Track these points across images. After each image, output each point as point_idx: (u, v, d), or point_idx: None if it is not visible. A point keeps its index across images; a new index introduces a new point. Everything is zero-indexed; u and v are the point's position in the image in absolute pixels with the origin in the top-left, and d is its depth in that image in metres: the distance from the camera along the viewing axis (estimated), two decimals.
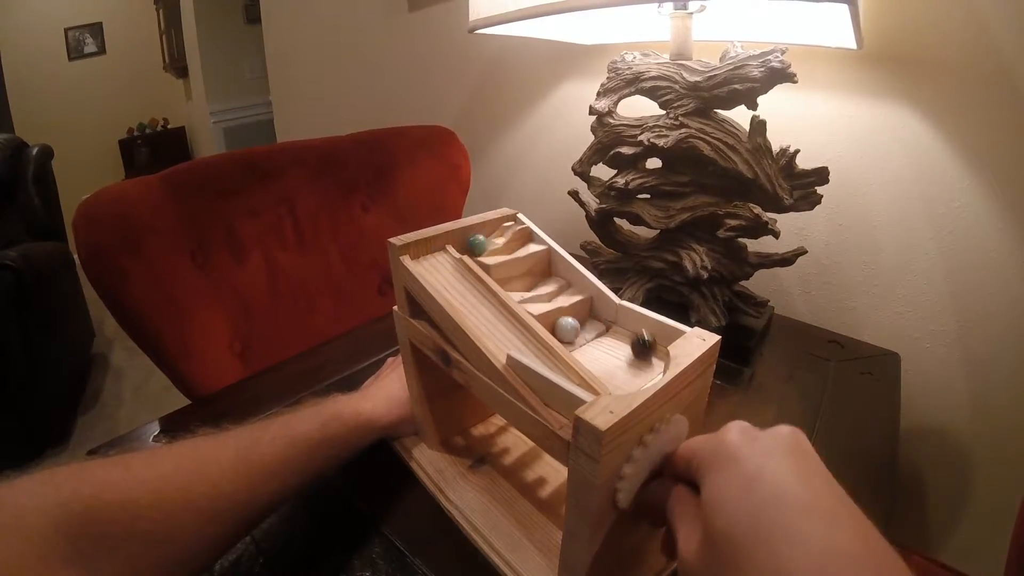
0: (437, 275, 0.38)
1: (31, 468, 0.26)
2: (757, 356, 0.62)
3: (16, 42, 3.10)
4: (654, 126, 0.57)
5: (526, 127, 1.07)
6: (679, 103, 0.57)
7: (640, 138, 0.57)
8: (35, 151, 2.00)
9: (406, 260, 0.38)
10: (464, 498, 0.41)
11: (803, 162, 0.58)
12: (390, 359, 0.53)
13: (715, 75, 0.54)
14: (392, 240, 0.38)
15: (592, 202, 0.67)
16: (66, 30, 3.30)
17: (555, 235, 0.44)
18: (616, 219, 0.67)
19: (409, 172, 0.96)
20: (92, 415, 1.78)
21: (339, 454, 0.39)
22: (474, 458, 0.45)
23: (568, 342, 0.37)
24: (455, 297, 0.36)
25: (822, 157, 0.68)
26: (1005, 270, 0.62)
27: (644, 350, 0.34)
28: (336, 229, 0.89)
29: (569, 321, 0.37)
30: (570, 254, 0.42)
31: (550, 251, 0.43)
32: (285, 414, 0.39)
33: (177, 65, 3.39)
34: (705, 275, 0.57)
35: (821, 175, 0.57)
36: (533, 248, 0.42)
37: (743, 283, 0.65)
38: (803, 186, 0.57)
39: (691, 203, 0.58)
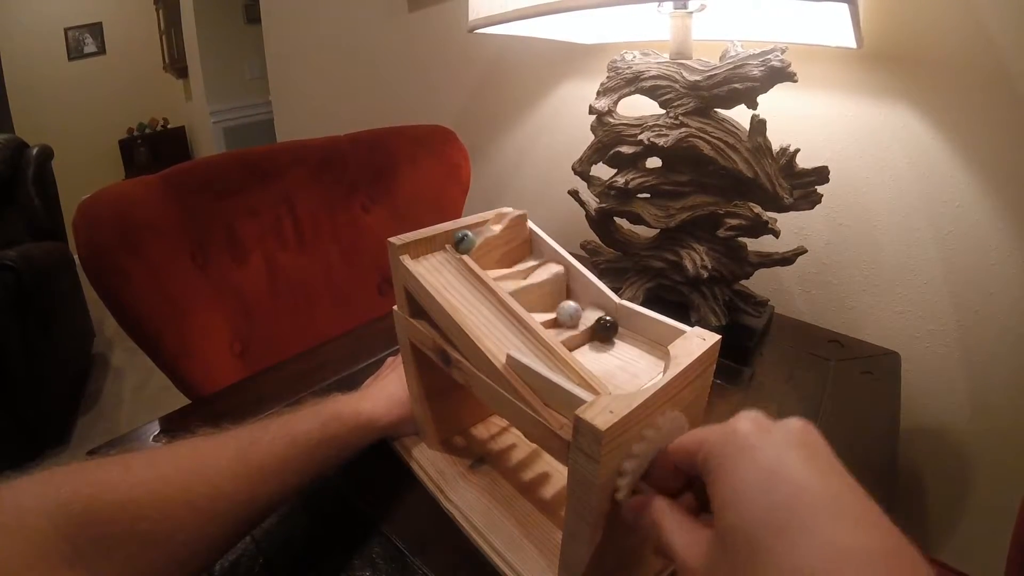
0: (437, 275, 0.38)
1: (31, 468, 0.26)
2: (757, 356, 0.62)
3: (16, 42, 3.10)
4: (654, 125, 0.57)
5: (526, 127, 1.06)
6: (679, 102, 0.56)
7: (640, 137, 0.57)
8: (35, 151, 2.00)
9: (406, 260, 0.38)
10: (464, 498, 0.41)
11: (803, 161, 0.58)
12: (390, 359, 0.52)
13: (715, 74, 0.54)
14: (392, 240, 0.38)
15: (592, 201, 0.66)
16: (66, 30, 3.29)
17: (555, 235, 0.43)
18: (616, 218, 0.67)
19: (409, 172, 0.96)
20: (92, 415, 1.78)
21: (339, 454, 0.39)
22: (474, 458, 0.45)
23: (571, 327, 0.37)
24: (455, 297, 0.36)
25: (822, 156, 0.68)
26: (1005, 270, 0.62)
27: (605, 331, 0.35)
28: (336, 229, 0.89)
29: (570, 304, 0.38)
30: (570, 254, 0.42)
31: (532, 234, 0.43)
32: (285, 414, 0.38)
33: (177, 65, 3.39)
34: (705, 274, 0.57)
35: (821, 174, 0.57)
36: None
37: (743, 283, 0.65)
38: (803, 185, 0.57)
39: (691, 202, 0.58)
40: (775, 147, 0.57)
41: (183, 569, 0.29)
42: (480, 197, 1.13)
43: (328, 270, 0.88)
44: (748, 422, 0.23)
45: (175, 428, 0.53)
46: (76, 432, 1.68)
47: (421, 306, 0.38)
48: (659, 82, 0.58)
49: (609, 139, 0.62)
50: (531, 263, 0.42)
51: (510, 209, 0.43)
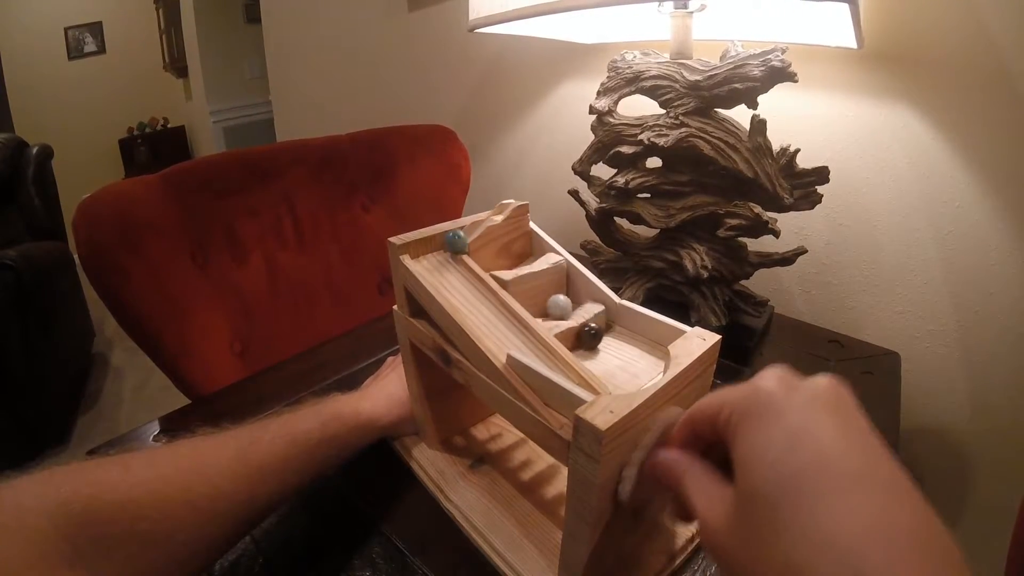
0: (437, 275, 0.38)
1: (31, 468, 0.26)
2: (757, 356, 0.62)
3: (16, 42, 3.10)
4: (654, 125, 0.57)
5: (526, 127, 1.06)
6: (679, 102, 0.56)
7: (640, 137, 0.57)
8: (35, 151, 2.00)
9: (406, 259, 0.38)
10: (464, 498, 0.41)
11: (803, 161, 0.58)
12: (390, 359, 0.52)
13: (715, 74, 0.54)
14: (392, 239, 0.38)
15: (592, 201, 0.66)
16: (66, 29, 3.29)
17: (555, 234, 0.43)
18: (616, 218, 0.67)
19: (409, 171, 0.96)
20: (92, 415, 1.78)
21: (339, 454, 0.39)
22: (474, 458, 0.45)
23: (562, 318, 0.37)
24: (455, 296, 0.36)
25: (822, 156, 0.68)
26: (1005, 270, 0.62)
27: (591, 339, 0.35)
28: (336, 229, 0.89)
29: (560, 298, 0.38)
30: (570, 253, 0.42)
31: (531, 233, 0.43)
32: (285, 414, 0.38)
33: (177, 65, 3.39)
34: (705, 274, 0.57)
35: (821, 174, 0.57)
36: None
37: (743, 283, 0.65)
38: (803, 185, 0.57)
39: (691, 202, 0.58)
40: (775, 147, 0.57)
41: (183, 569, 0.29)
42: (480, 197, 1.13)
43: (328, 270, 0.88)
44: (773, 379, 0.21)
45: (175, 428, 0.53)
46: (76, 432, 1.68)
47: (421, 306, 0.38)
48: (659, 82, 0.58)
49: (609, 139, 0.62)
50: (531, 258, 0.42)
51: (512, 201, 0.43)
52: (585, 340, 0.36)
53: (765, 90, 0.53)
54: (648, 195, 0.62)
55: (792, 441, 0.19)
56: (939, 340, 0.68)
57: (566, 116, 0.99)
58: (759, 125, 0.54)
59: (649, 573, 0.34)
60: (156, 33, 3.47)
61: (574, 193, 0.68)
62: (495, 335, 0.34)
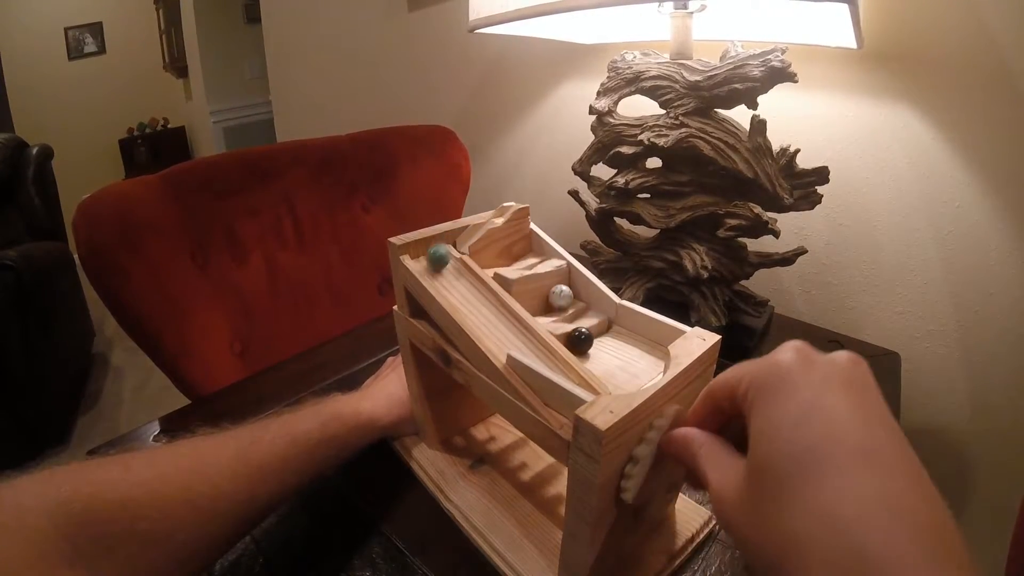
0: (437, 274, 0.38)
1: (31, 468, 0.27)
2: (757, 356, 0.62)
3: (16, 42, 3.10)
4: (654, 125, 0.57)
5: (526, 127, 1.06)
6: (679, 102, 0.56)
7: (640, 137, 0.57)
8: (35, 151, 2.00)
9: (406, 260, 0.38)
10: (464, 498, 0.41)
11: (803, 161, 0.58)
12: (390, 359, 0.52)
13: (715, 74, 0.54)
14: (392, 240, 0.38)
15: (592, 202, 0.66)
16: (66, 30, 3.30)
17: (555, 235, 0.43)
18: (616, 219, 0.67)
19: (409, 172, 0.96)
20: (92, 415, 1.78)
21: (339, 454, 0.39)
22: (474, 458, 0.45)
23: (563, 307, 0.37)
24: (455, 296, 0.36)
25: (822, 156, 0.68)
26: (1005, 270, 0.62)
27: (580, 344, 0.34)
28: (336, 229, 0.89)
29: (563, 288, 0.38)
30: (570, 254, 0.42)
31: (533, 234, 0.43)
32: (285, 414, 0.38)
33: (177, 65, 3.39)
34: (705, 275, 0.57)
35: (821, 174, 0.57)
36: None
37: (743, 283, 0.65)
38: (803, 185, 0.57)
39: (691, 203, 0.58)
40: (775, 147, 0.57)
41: (183, 568, 0.29)
42: (480, 197, 1.13)
43: (328, 270, 0.88)
44: (791, 353, 0.22)
45: (175, 428, 0.53)
46: (76, 432, 1.68)
47: (421, 306, 0.38)
48: (659, 82, 0.58)
49: (609, 139, 0.62)
50: (532, 260, 0.42)
51: (513, 203, 0.43)
52: (575, 345, 0.35)
53: (765, 90, 0.53)
54: (648, 195, 0.62)
55: (805, 416, 0.19)
56: (939, 340, 0.68)
57: (566, 116, 0.99)
58: (759, 125, 0.54)
59: (649, 573, 0.34)
60: (156, 33, 3.48)
61: (574, 193, 0.68)
62: (495, 335, 0.34)
